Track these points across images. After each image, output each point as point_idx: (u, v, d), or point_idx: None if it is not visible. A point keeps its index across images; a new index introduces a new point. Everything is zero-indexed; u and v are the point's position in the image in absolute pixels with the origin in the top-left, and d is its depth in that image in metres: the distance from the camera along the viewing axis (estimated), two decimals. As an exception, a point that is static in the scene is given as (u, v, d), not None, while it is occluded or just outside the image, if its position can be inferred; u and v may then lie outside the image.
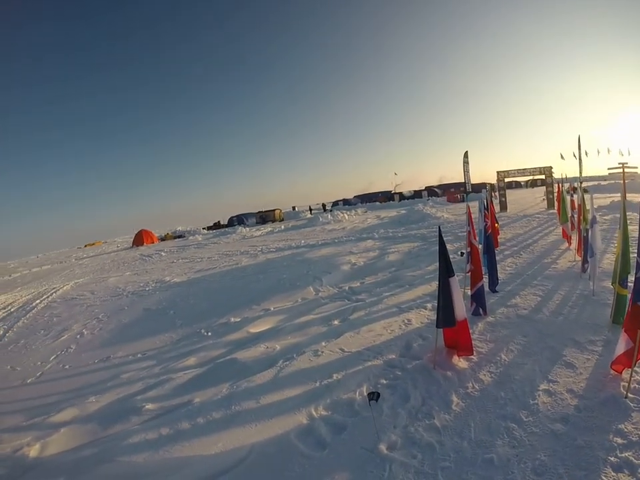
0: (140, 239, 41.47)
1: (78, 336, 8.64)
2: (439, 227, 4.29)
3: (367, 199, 52.11)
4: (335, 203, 53.74)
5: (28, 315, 12.10)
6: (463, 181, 11.56)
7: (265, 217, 44.73)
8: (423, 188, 47.08)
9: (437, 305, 4.16)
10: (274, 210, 45.76)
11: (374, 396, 3.46)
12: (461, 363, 4.29)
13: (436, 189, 44.46)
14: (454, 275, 4.06)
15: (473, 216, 6.03)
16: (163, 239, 43.75)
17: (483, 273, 5.80)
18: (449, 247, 10.14)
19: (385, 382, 4.10)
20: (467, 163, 22.52)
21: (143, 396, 5.01)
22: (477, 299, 5.58)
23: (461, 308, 4.11)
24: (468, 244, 5.75)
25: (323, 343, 5.45)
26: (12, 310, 13.81)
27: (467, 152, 20.92)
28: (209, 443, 3.65)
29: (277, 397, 4.24)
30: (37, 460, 4.11)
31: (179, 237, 43.72)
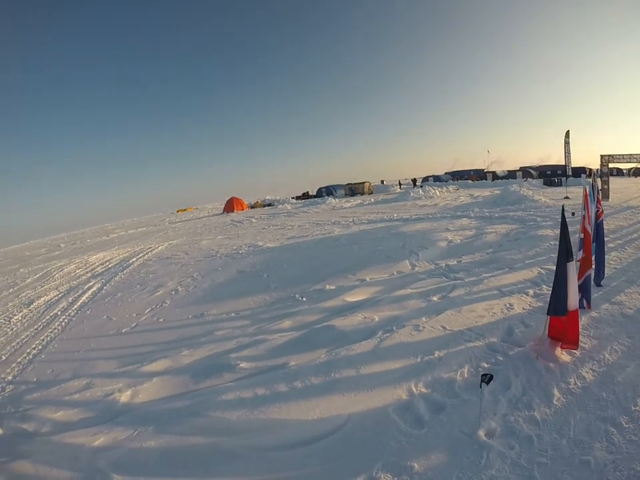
0: (231, 205, 44.25)
1: (173, 292, 9.23)
2: (562, 207, 4.15)
3: (458, 176, 50.32)
4: (425, 179, 52.73)
5: (125, 271, 13.27)
6: (557, 163, 10.34)
7: (353, 189, 45.04)
8: (517, 168, 44.31)
9: (551, 290, 4.03)
10: (363, 183, 45.87)
11: (486, 378, 3.29)
12: (563, 355, 4.14)
13: (531, 170, 41.33)
14: (572, 260, 3.90)
15: (581, 200, 5.33)
16: (252, 207, 46.04)
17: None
18: (548, 232, 9.49)
19: (486, 365, 4.08)
20: (568, 143, 20.56)
21: (236, 354, 5.13)
22: (583, 290, 5.14)
23: (575, 297, 3.98)
24: (582, 229, 5.14)
25: (424, 319, 5.35)
26: (110, 266, 15.25)
27: (568, 131, 18.75)
28: (306, 408, 3.67)
29: (377, 368, 4.19)
30: (127, 406, 4.39)
31: (268, 205, 45.68)
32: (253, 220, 26.41)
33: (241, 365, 4.80)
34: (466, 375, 3.86)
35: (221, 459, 3.22)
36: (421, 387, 3.78)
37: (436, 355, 4.31)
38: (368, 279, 7.75)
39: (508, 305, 5.56)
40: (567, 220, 3.91)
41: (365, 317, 5.70)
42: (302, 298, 7.22)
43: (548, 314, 4.10)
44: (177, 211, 73.43)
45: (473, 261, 8.15)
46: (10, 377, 5.96)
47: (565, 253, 3.85)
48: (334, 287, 7.51)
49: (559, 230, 3.96)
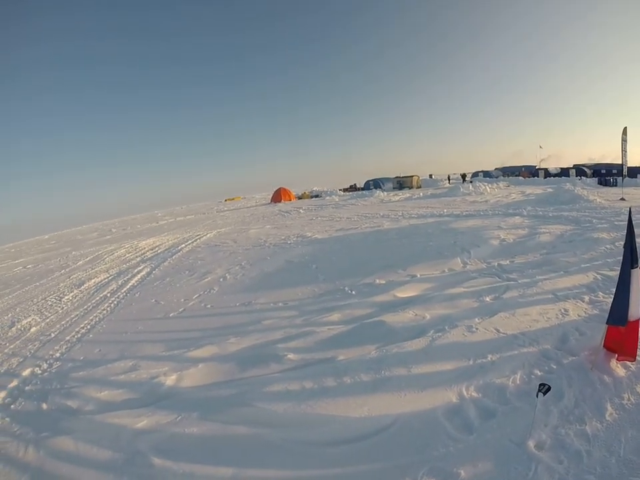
0: (278, 196, 45.31)
1: (221, 279, 9.36)
2: (630, 209, 3.99)
3: (509, 172, 49.19)
4: (475, 174, 51.69)
5: (174, 257, 13.62)
6: (612, 162, 9.57)
7: (402, 183, 45.15)
8: (571, 166, 42.26)
9: (612, 297, 3.84)
10: (411, 176, 45.88)
11: (544, 388, 3.17)
12: (618, 368, 3.91)
13: (585, 169, 39.22)
14: (637, 267, 3.63)
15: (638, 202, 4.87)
16: (299, 198, 46.94)
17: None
18: (604, 235, 8.97)
19: (539, 373, 3.90)
20: (625, 141, 19.09)
21: (284, 345, 5.08)
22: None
23: (637, 306, 3.71)
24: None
25: (477, 319, 5.20)
26: (159, 251, 15.71)
27: (625, 128, 17.40)
28: (355, 405, 3.59)
29: (428, 368, 4.10)
30: (171, 389, 4.44)
31: (316, 196, 46.36)
32: (301, 211, 26.82)
33: (288, 356, 4.74)
34: (518, 382, 3.73)
35: (264, 451, 3.19)
36: (472, 391, 3.67)
37: (489, 359, 4.18)
38: (419, 275, 7.60)
39: (563, 311, 5.31)
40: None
41: (416, 314, 5.58)
42: (351, 291, 7.13)
43: (607, 323, 3.89)
44: (225, 200, 75.25)
45: (527, 262, 7.85)
46: (58, 354, 6.17)
47: (630, 259, 3.62)
48: (384, 282, 7.39)
49: (624, 233, 3.67)
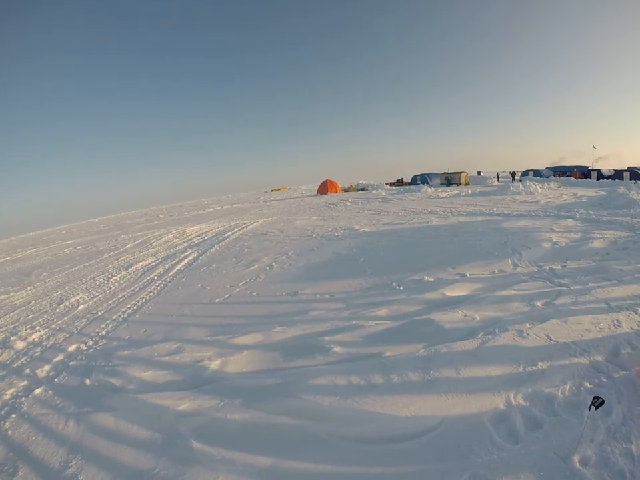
0: (324, 187, 45.75)
1: (267, 268, 9.41)
2: None
3: (560, 172, 47.36)
4: (525, 173, 50.18)
5: (220, 244, 13.86)
6: None
7: (449, 179, 44.17)
8: (625, 168, 39.86)
9: None
10: (460, 172, 44.72)
11: (597, 401, 3.03)
12: None
13: None
14: None
15: None
16: (346, 190, 47.26)
17: None
18: None
19: (588, 385, 3.74)
20: None
21: (330, 337, 5.00)
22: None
23: None
24: None
25: (528, 324, 5.00)
26: (206, 238, 16.01)
27: None
28: (401, 404, 3.51)
29: (477, 372, 3.97)
30: (215, 374, 4.45)
31: (362, 189, 46.52)
32: (347, 203, 26.86)
33: (334, 348, 4.66)
34: (567, 393, 3.56)
35: (306, 444, 3.14)
36: (520, 399, 3.53)
37: (539, 367, 4.02)
38: (468, 275, 7.39)
39: (615, 322, 5.05)
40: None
41: (466, 315, 5.42)
42: (399, 287, 6.99)
43: None
44: (271, 190, 76.17)
45: (579, 267, 7.52)
46: (104, 332, 6.35)
47: None
48: (432, 279, 7.24)
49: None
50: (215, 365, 4.60)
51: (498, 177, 46.60)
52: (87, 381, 4.72)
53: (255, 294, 7.44)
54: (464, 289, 6.60)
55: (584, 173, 43.87)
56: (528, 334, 4.69)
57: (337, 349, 4.66)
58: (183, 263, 11.35)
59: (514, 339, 4.59)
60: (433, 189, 35.87)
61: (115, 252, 15.81)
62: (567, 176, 43.15)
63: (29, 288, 11.35)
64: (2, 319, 8.27)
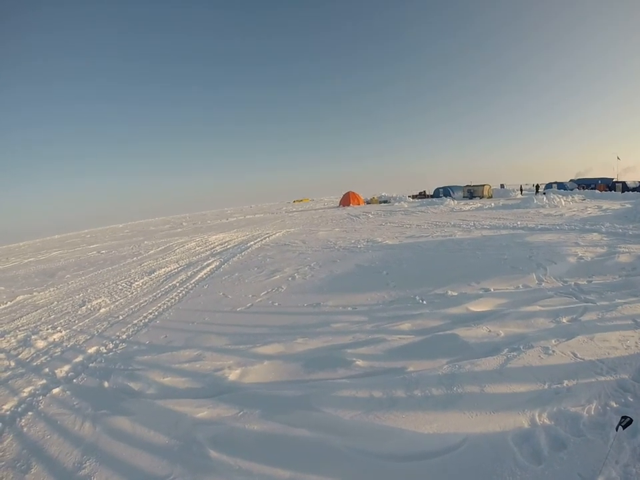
0: (347, 199, 46.39)
1: (289, 278, 9.39)
2: None
3: (584, 184, 47.27)
4: (548, 185, 50.28)
5: (243, 253, 13.96)
6: None
7: (472, 192, 44.48)
8: None
9: None
10: (483, 185, 44.89)
11: (624, 421, 2.92)
12: None
13: None
14: None
15: None
16: (368, 202, 47.80)
17: None
18: None
19: (615, 405, 3.61)
20: None
21: (352, 350, 4.93)
22: None
23: None
24: None
25: (553, 341, 4.87)
26: (228, 247, 16.15)
27: None
28: (424, 420, 3.43)
29: (502, 389, 3.87)
30: (235, 384, 4.41)
31: (384, 202, 46.88)
32: (370, 215, 27.02)
33: (356, 362, 4.59)
34: (592, 412, 3.44)
35: (325, 458, 3.07)
36: (545, 418, 3.42)
37: (564, 385, 3.90)
38: (492, 289, 7.28)
39: None
40: None
41: (490, 331, 5.32)
42: (422, 301, 6.91)
43: None
44: (294, 201, 76.80)
45: (605, 283, 7.35)
46: (124, 336, 6.40)
47: None
48: (456, 294, 7.15)
49: None
50: (234, 374, 4.57)
51: (521, 190, 46.73)
52: (106, 384, 4.75)
53: (276, 304, 7.42)
54: (488, 304, 6.51)
55: (608, 185, 43.54)
56: (554, 351, 4.59)
57: (359, 362, 4.60)
58: (205, 271, 11.44)
59: (539, 356, 4.50)
60: (455, 201, 35.88)
61: (138, 257, 16.04)
62: (591, 188, 42.90)
63: (52, 289, 11.59)
64: (24, 317, 8.46)
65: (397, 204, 39.94)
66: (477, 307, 6.38)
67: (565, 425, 3.33)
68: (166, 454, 3.27)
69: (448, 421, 3.41)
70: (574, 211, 20.95)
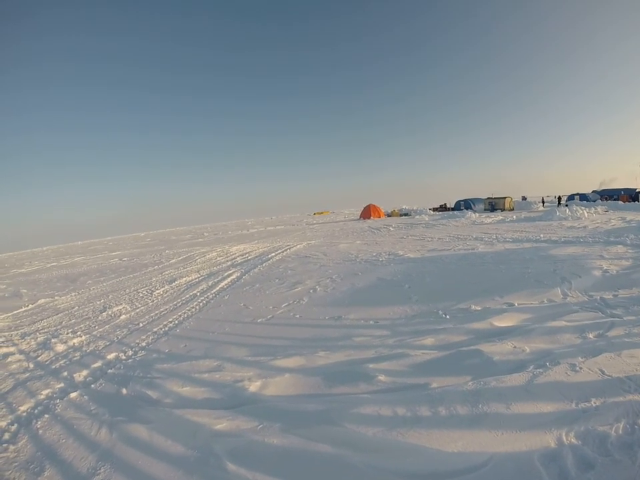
0: (368, 212, 46.64)
1: (311, 290, 9.36)
2: None
3: (607, 195, 46.74)
4: (571, 197, 49.63)
5: (264, 264, 14.01)
6: None
7: (494, 204, 44.46)
8: None
9: None
10: (504, 198, 44.82)
11: None
12: None
13: None
14: None
15: None
16: (389, 215, 48.20)
17: None
18: None
19: None
20: None
21: (375, 365, 4.83)
22: None
23: None
24: None
25: (580, 358, 4.72)
26: (249, 258, 16.20)
27: None
28: (448, 439, 3.32)
29: (528, 407, 3.75)
30: (255, 396, 4.34)
31: (405, 214, 47.33)
32: (391, 228, 27.05)
33: (379, 377, 4.50)
34: (620, 432, 3.30)
35: (345, 474, 2.99)
36: (572, 438, 3.29)
37: (592, 403, 3.77)
38: (516, 304, 7.14)
39: None
40: None
41: (515, 347, 5.20)
42: (445, 315, 6.81)
43: None
44: (314, 214, 77.30)
45: (631, 297, 7.13)
46: (144, 344, 6.40)
47: None
48: (479, 308, 7.03)
49: None
50: (255, 386, 4.52)
51: (543, 202, 46.96)
52: (124, 391, 4.73)
53: (297, 316, 7.37)
54: (512, 319, 6.41)
55: (632, 195, 42.79)
56: (581, 368, 4.45)
57: (382, 377, 4.51)
58: (226, 281, 11.47)
59: (566, 373, 4.36)
60: (477, 214, 35.84)
61: (159, 266, 16.19)
62: (614, 199, 42.24)
63: (73, 294, 11.76)
64: (45, 320, 8.59)
65: (417, 217, 40.12)
66: (501, 322, 6.28)
67: (593, 445, 3.23)
68: (182, 464, 3.22)
69: (473, 439, 3.32)
70: (597, 222, 20.71)
